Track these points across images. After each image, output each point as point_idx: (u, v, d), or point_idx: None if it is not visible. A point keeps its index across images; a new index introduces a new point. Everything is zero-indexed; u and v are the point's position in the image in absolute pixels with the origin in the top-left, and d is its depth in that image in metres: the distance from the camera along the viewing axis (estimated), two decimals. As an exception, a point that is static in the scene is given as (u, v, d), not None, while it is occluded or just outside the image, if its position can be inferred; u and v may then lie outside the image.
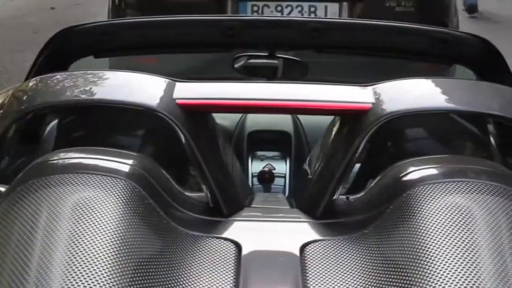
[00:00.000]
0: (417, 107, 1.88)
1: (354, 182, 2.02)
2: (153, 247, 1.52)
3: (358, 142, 1.77)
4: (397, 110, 1.80)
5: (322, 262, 1.57)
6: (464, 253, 1.40)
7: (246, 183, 2.16)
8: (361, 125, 1.79)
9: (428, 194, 1.55)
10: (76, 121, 2.19)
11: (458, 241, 1.42)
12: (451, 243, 1.42)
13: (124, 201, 1.55)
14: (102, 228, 1.47)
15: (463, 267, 1.37)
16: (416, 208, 1.53)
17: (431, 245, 1.43)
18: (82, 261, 1.38)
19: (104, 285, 1.35)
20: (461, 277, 1.35)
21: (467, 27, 6.45)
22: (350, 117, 1.88)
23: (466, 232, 1.44)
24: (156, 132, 2.04)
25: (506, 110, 1.89)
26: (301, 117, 2.62)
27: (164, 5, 5.09)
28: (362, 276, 1.50)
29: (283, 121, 2.54)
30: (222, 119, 2.34)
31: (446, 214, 1.49)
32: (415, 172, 1.66)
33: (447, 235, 1.44)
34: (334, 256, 1.58)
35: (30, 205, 1.51)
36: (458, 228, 1.45)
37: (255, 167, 2.37)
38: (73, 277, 1.34)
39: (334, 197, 1.78)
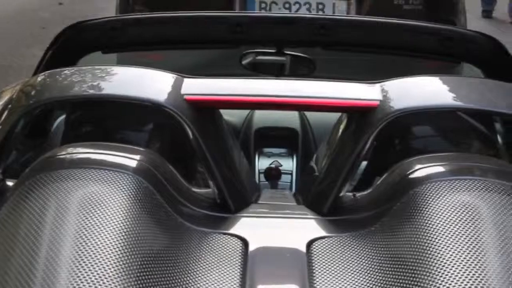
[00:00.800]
0: (424, 105, 1.87)
1: (361, 179, 2.02)
2: (160, 242, 1.53)
3: (365, 139, 1.77)
4: (404, 108, 1.81)
5: (328, 258, 1.56)
6: (470, 251, 1.39)
7: (253, 180, 2.15)
8: (368, 122, 1.79)
9: (435, 192, 1.54)
10: (84, 116, 2.19)
11: (465, 238, 1.42)
12: (457, 241, 1.42)
13: (131, 196, 1.55)
14: (110, 223, 1.46)
15: (470, 265, 1.36)
16: (423, 206, 1.52)
17: (438, 242, 1.42)
18: (90, 255, 1.37)
19: (112, 279, 1.34)
20: (468, 274, 1.34)
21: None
22: (357, 114, 1.88)
23: (472, 230, 1.44)
24: (164, 127, 2.05)
25: None
26: (308, 114, 2.62)
27: (173, 2, 4.88)
28: (369, 273, 1.49)
29: (290, 118, 2.55)
30: (230, 116, 2.33)
31: (453, 211, 1.48)
32: (422, 170, 1.65)
33: (454, 233, 1.43)
34: (341, 253, 1.58)
35: (38, 199, 1.51)
36: (465, 226, 1.45)
37: (262, 163, 2.37)
38: (80, 271, 1.34)
39: (341, 194, 1.79)
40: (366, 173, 2.02)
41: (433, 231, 1.47)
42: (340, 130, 2.03)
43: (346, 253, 1.59)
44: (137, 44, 2.77)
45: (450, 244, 1.42)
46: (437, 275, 1.36)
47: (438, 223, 1.48)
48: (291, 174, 2.37)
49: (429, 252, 1.43)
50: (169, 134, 2.04)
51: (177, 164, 1.84)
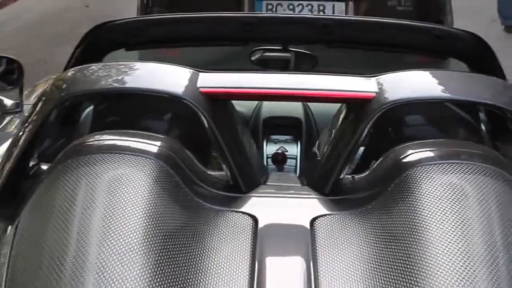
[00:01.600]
0: (416, 96, 1.89)
1: (359, 163, 2.02)
2: (179, 219, 1.56)
3: (362, 127, 1.79)
4: (398, 99, 1.83)
5: (329, 234, 1.60)
6: (457, 227, 1.44)
7: (262, 164, 2.14)
8: (365, 112, 1.81)
9: (425, 174, 1.59)
10: (110, 107, 2.18)
11: (452, 215, 1.46)
12: (445, 217, 1.46)
13: (153, 178, 1.58)
14: (133, 201, 1.50)
15: (456, 239, 1.41)
16: (414, 187, 1.56)
17: (427, 219, 1.47)
18: (116, 231, 1.42)
19: (136, 253, 1.39)
20: (454, 247, 1.39)
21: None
22: (355, 105, 1.89)
23: (459, 208, 1.48)
24: (182, 117, 2.01)
25: (496, 99, 1.91)
26: (311, 105, 2.60)
27: (187, 3, 5.02)
28: (366, 247, 1.53)
29: (295, 109, 2.53)
30: (240, 106, 2.31)
31: (441, 192, 1.53)
32: (413, 155, 1.68)
33: (442, 211, 1.48)
34: (341, 229, 1.62)
35: (69, 182, 1.56)
36: (452, 204, 1.49)
37: (269, 149, 2.36)
38: (108, 245, 1.39)
39: (341, 176, 1.82)
40: (364, 158, 2.02)
41: (423, 209, 1.50)
42: (340, 119, 2.03)
43: (345, 228, 1.62)
44: (157, 42, 2.74)
45: (438, 220, 1.46)
46: (427, 247, 1.41)
47: (427, 202, 1.52)
48: (296, 158, 2.36)
49: (419, 227, 1.46)
50: (186, 123, 2.00)
51: (194, 150, 1.85)
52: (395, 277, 1.39)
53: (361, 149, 2.01)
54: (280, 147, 2.31)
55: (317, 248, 1.54)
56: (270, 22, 2.85)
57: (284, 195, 1.84)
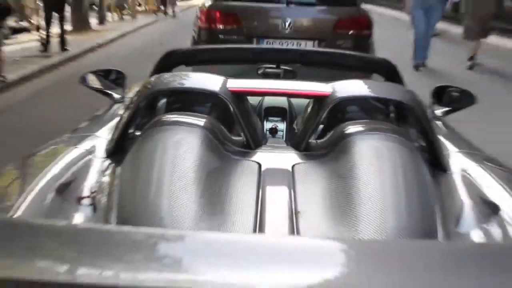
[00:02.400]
0: (354, 95, 1.87)
1: (320, 134, 1.93)
2: (215, 163, 1.54)
3: (322, 113, 1.76)
4: (343, 96, 1.79)
5: (302, 174, 1.57)
6: (375, 169, 1.44)
7: (263, 133, 2.02)
8: (324, 104, 1.77)
9: (358, 140, 1.57)
10: (176, 98, 2.09)
11: (372, 163, 1.46)
12: (369, 164, 1.46)
13: (200, 140, 1.57)
14: (189, 153, 1.49)
15: (375, 176, 1.41)
16: (351, 147, 1.54)
17: (358, 165, 1.46)
18: (179, 170, 1.42)
19: (191, 182, 1.38)
20: (374, 181, 1.38)
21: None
22: (318, 100, 1.84)
23: (376, 158, 1.48)
24: (217, 105, 1.93)
25: (400, 97, 1.86)
26: (292, 100, 2.49)
27: (220, 40, 5.36)
28: (323, 181, 1.51)
29: (283, 102, 2.41)
30: (251, 100, 2.18)
31: (367, 150, 1.52)
32: (351, 129, 1.66)
33: (367, 160, 1.48)
34: (309, 171, 1.59)
35: (152, 141, 1.55)
36: (373, 156, 1.49)
37: (268, 125, 2.26)
38: (174, 178, 1.38)
39: (310, 141, 1.79)
40: (323, 131, 1.93)
41: (356, 159, 1.49)
42: (309, 108, 1.96)
43: (312, 171, 1.59)
44: (203, 62, 2.65)
45: (365, 165, 1.45)
46: (358, 182, 1.40)
47: (359, 155, 1.50)
48: (283, 131, 2.24)
49: (354, 170, 1.45)
50: (220, 108, 1.90)
51: (224, 124, 1.80)
52: (341, 200, 1.37)
53: (321, 126, 1.95)
54: (274, 124, 2.20)
55: (295, 182, 1.52)
56: (269, 51, 2.86)
57: (276, 150, 1.80)
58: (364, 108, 1.99)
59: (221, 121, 1.79)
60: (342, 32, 5.47)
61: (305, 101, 2.16)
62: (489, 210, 1.36)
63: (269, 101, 2.36)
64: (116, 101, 2.38)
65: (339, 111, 1.87)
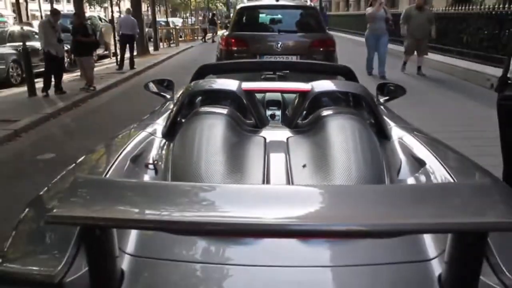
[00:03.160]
0: (326, 90, 1.80)
1: (304, 117, 1.77)
2: (235, 138, 1.47)
3: (305, 103, 1.70)
4: (319, 91, 1.73)
5: (294, 144, 1.50)
6: (342, 139, 1.37)
7: (266, 118, 1.90)
8: (306, 97, 1.70)
9: (329, 120, 1.51)
10: (208, 96, 1.93)
11: (340, 135, 1.40)
12: (338, 136, 1.40)
13: (225, 123, 1.51)
14: (218, 132, 1.43)
15: (342, 144, 1.34)
16: (326, 124, 1.48)
17: (330, 137, 1.40)
18: (212, 143, 1.36)
19: (219, 151, 1.32)
20: (341, 147, 1.32)
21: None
22: (302, 94, 1.76)
23: (342, 132, 1.42)
24: (235, 100, 1.78)
25: (357, 90, 1.79)
26: (285, 94, 2.35)
27: (235, 57, 5.32)
28: (308, 148, 1.43)
29: (278, 96, 2.27)
30: (257, 95, 2.07)
31: (336, 126, 1.46)
32: (325, 113, 1.60)
33: (336, 133, 1.41)
34: (298, 142, 1.51)
35: (193, 126, 1.49)
36: (340, 130, 1.43)
37: (268, 112, 2.15)
38: (209, 149, 1.33)
39: (297, 122, 1.71)
40: (306, 115, 1.76)
41: (329, 133, 1.42)
42: (296, 100, 1.86)
43: (300, 142, 1.52)
44: (226, 71, 2.51)
45: (334, 137, 1.39)
46: (331, 148, 1.33)
47: (331, 130, 1.44)
48: (279, 116, 2.08)
49: (328, 140, 1.38)
50: (237, 102, 1.76)
51: (240, 112, 1.72)
52: (320, 160, 1.31)
53: (305, 112, 1.80)
54: (273, 111, 2.07)
55: (289, 149, 1.46)
56: (268, 63, 2.84)
57: (275, 129, 1.71)
58: (333, 99, 1.92)
59: (238, 110, 1.72)
60: (315, 49, 5.54)
61: (293, 95, 2.10)
62: (417, 163, 1.32)
63: (269, 95, 2.27)
64: (168, 100, 2.30)
65: (317, 101, 1.81)
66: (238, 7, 6.39)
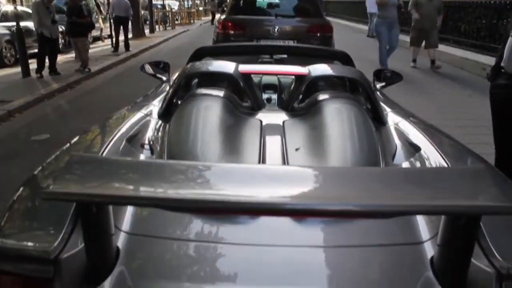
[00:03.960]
0: (324, 74, 1.79)
1: (300, 100, 1.76)
2: (232, 120, 1.47)
3: (301, 86, 1.68)
4: (316, 75, 1.72)
5: (290, 127, 1.49)
6: (337, 122, 1.38)
7: (262, 101, 1.88)
8: (303, 80, 1.69)
9: (326, 103, 1.51)
10: (204, 78, 1.93)
11: (335, 118, 1.40)
12: (333, 118, 1.40)
13: (222, 105, 1.50)
14: (215, 113, 1.43)
15: (337, 126, 1.35)
16: (322, 108, 1.48)
17: (326, 119, 1.40)
18: (208, 124, 1.35)
19: (216, 132, 1.32)
20: (337, 130, 1.33)
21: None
22: (299, 77, 1.75)
23: (338, 115, 1.42)
24: (232, 82, 1.75)
25: (354, 75, 1.78)
26: (281, 77, 2.35)
27: (232, 41, 5.22)
28: (304, 131, 1.43)
29: (275, 80, 2.22)
30: (254, 78, 2.06)
31: (332, 109, 1.45)
32: (322, 96, 1.59)
33: (331, 115, 1.42)
34: (294, 125, 1.51)
35: (189, 107, 1.48)
36: (336, 113, 1.42)
37: (265, 96, 2.15)
38: (205, 130, 1.32)
39: (294, 105, 1.70)
40: (302, 98, 1.76)
41: (325, 116, 1.42)
42: (293, 84, 1.85)
43: (296, 125, 1.51)
44: (222, 54, 2.45)
45: (330, 120, 1.39)
46: (327, 130, 1.34)
47: (327, 113, 1.44)
48: (275, 99, 2.05)
49: (324, 123, 1.39)
50: (234, 84, 1.74)
51: (237, 95, 1.70)
52: (315, 142, 1.31)
53: (301, 96, 1.80)
54: (269, 95, 2.04)
55: (285, 132, 1.45)
56: (265, 47, 2.86)
57: (271, 112, 1.70)
58: (329, 83, 1.89)
59: (235, 93, 1.70)
60: (312, 34, 5.52)
61: (289, 79, 2.07)
62: (412, 149, 1.32)
63: (265, 79, 2.25)
64: (164, 82, 2.27)
65: (313, 85, 1.80)
66: None
